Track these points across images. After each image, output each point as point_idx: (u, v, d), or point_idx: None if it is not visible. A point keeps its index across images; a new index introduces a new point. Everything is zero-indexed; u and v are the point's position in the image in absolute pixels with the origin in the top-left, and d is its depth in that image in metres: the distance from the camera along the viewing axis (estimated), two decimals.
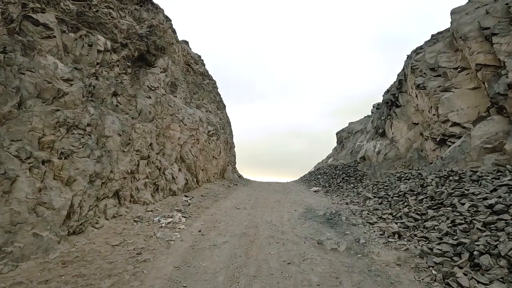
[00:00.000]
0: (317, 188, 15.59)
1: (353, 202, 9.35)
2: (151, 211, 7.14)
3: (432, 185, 7.70)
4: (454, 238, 4.68)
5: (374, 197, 9.16)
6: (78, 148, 5.96)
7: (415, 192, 7.79)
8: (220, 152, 15.52)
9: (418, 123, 13.87)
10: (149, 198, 7.57)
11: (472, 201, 5.84)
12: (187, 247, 5.39)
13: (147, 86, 10.95)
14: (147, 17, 11.55)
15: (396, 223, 6.44)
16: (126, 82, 9.54)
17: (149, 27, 11.29)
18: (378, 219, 6.97)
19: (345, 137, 24.07)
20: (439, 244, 4.67)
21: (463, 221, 5.10)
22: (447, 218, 5.53)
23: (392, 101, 16.15)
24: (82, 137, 6.18)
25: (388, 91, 17.51)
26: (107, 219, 6.07)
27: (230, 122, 22.70)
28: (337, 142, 25.94)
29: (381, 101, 22.59)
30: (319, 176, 18.97)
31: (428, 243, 4.96)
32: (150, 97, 9.81)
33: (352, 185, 14.52)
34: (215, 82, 20.87)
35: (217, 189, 12.28)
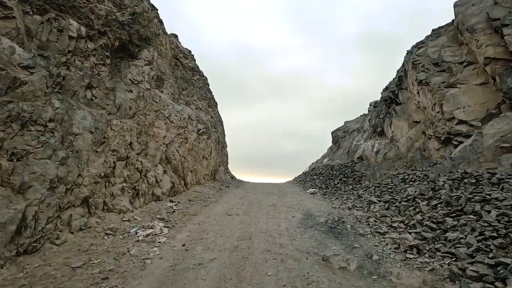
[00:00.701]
0: (314, 189, 14.79)
1: (356, 206, 8.54)
2: (128, 220, 6.16)
3: (445, 189, 6.93)
4: (490, 256, 3.88)
5: (379, 201, 8.37)
6: (35, 148, 4.96)
7: (426, 196, 7.01)
8: (211, 152, 14.57)
9: (419, 121, 13.19)
10: (126, 205, 6.58)
11: (499, 209, 5.07)
12: (167, 267, 4.46)
13: (130, 80, 9.94)
14: (129, 3, 10.51)
15: (410, 233, 5.64)
16: (104, 74, 8.52)
17: (131, 14, 10.27)
18: (388, 228, 6.16)
19: (341, 136, 23.37)
20: (472, 263, 3.86)
21: (495, 234, 4.31)
22: (473, 229, 4.74)
23: (391, 98, 15.46)
24: (42, 135, 5.17)
25: (387, 88, 16.83)
26: (72, 233, 5.08)
27: (222, 121, 21.72)
28: (332, 142, 25.23)
29: (378, 99, 21.96)
30: (315, 177, 18.19)
31: (455, 260, 4.15)
32: (131, 91, 8.81)
33: (350, 186, 13.76)
34: (206, 79, 19.87)
35: (207, 192, 11.33)
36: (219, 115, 21.28)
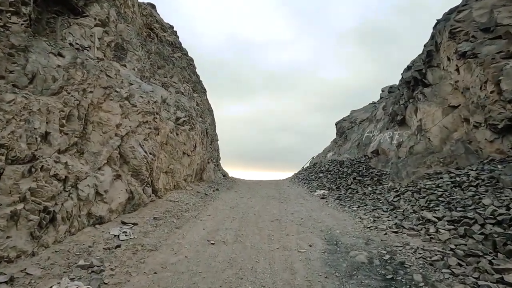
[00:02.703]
0: (323, 191, 12.03)
1: (403, 227, 5.73)
2: (8, 281, 3.23)
3: None
4: None
5: (438, 218, 5.57)
6: None
7: None
8: (196, 146, 11.61)
9: (458, 106, 10.41)
10: (19, 246, 3.63)
11: None
12: None
13: (70, 44, 6.89)
14: None
15: None
16: (16, 28, 5.45)
17: None
18: (496, 284, 3.35)
19: (348, 128, 20.57)
20: None
21: None
22: None
23: (416, 79, 12.61)
24: None
25: (409, 67, 13.98)
26: None
27: (211, 110, 18.70)
28: (337, 134, 22.44)
29: (386, 86, 19.18)
30: (321, 175, 15.43)
31: None
32: (60, 55, 5.76)
33: (370, 188, 11.03)
34: (191, 59, 16.77)
35: (187, 201, 8.42)
36: (209, 104, 18.25)
